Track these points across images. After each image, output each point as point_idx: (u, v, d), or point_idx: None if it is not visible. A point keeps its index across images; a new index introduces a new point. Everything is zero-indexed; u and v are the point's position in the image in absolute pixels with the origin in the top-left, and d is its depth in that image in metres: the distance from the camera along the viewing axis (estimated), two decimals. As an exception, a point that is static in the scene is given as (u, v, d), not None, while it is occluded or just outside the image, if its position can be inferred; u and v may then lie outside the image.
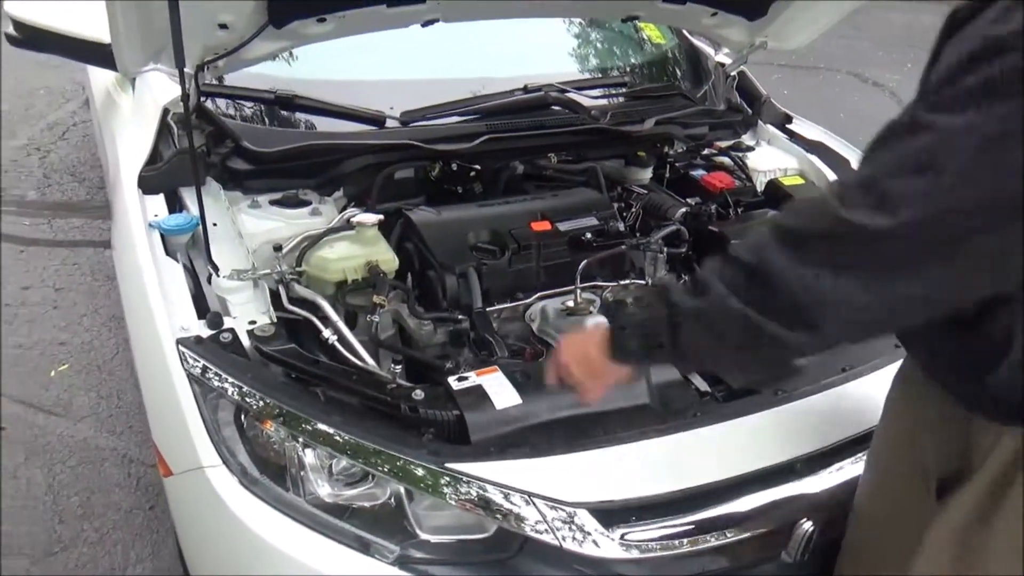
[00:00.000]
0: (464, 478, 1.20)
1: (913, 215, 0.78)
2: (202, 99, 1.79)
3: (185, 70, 1.31)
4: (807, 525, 1.27)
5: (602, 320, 1.57)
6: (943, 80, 0.79)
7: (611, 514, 1.21)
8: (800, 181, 2.10)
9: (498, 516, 1.19)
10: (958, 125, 0.75)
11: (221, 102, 1.92)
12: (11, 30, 1.97)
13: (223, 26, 1.51)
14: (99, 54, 1.87)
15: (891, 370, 1.22)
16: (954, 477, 1.03)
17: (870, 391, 1.37)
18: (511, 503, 1.19)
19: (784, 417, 1.36)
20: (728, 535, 1.26)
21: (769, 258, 0.88)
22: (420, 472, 1.21)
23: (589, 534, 1.19)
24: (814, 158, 2.18)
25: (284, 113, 1.99)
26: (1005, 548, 1.00)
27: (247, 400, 1.28)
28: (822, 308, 0.86)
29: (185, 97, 1.39)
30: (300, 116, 2.01)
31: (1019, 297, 0.88)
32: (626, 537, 1.21)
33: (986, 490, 1.00)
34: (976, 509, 1.01)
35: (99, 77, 2.33)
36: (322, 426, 1.24)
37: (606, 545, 1.20)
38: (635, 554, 1.21)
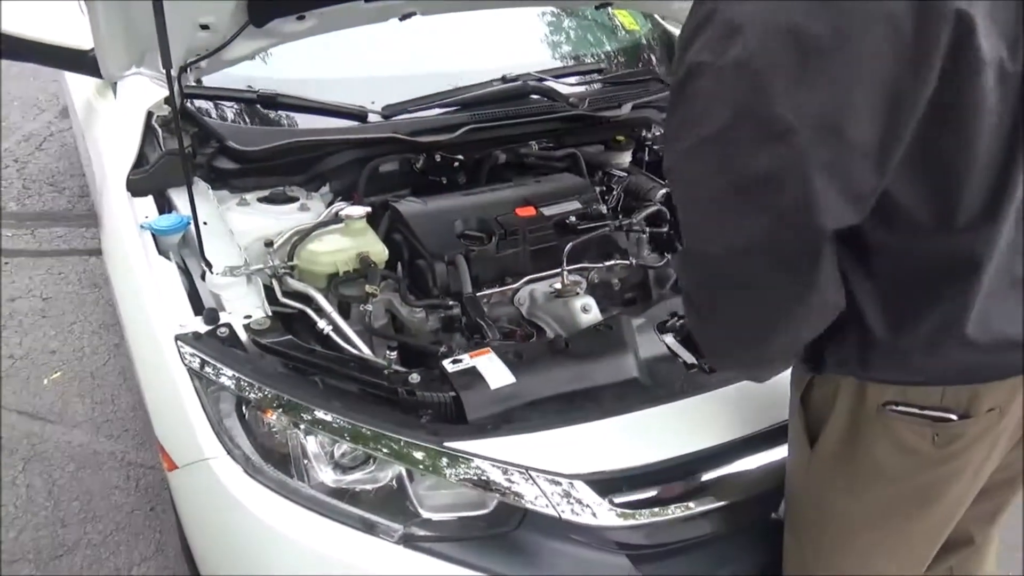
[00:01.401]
0: (463, 456, 1.23)
1: None
2: (185, 101, 1.81)
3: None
4: None
5: (589, 301, 1.63)
6: None
7: (606, 484, 1.25)
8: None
9: (497, 491, 1.23)
10: None
11: (199, 103, 1.93)
12: (-10, 41, 1.96)
13: (205, 27, 1.53)
14: (81, 61, 1.88)
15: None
16: (818, 428, 1.13)
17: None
18: (509, 478, 1.23)
19: (767, 385, 1.40)
20: (720, 500, 1.31)
21: None
22: (420, 453, 1.24)
23: (586, 504, 1.23)
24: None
25: (266, 112, 2.01)
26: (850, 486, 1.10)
27: (247, 391, 1.30)
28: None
29: (172, 99, 1.41)
30: (283, 114, 2.03)
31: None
32: (622, 505, 1.25)
33: (837, 437, 1.09)
34: (829, 456, 1.11)
35: (78, 85, 2.33)
36: (322, 413, 1.27)
37: (603, 514, 1.24)
38: (631, 521, 1.25)
